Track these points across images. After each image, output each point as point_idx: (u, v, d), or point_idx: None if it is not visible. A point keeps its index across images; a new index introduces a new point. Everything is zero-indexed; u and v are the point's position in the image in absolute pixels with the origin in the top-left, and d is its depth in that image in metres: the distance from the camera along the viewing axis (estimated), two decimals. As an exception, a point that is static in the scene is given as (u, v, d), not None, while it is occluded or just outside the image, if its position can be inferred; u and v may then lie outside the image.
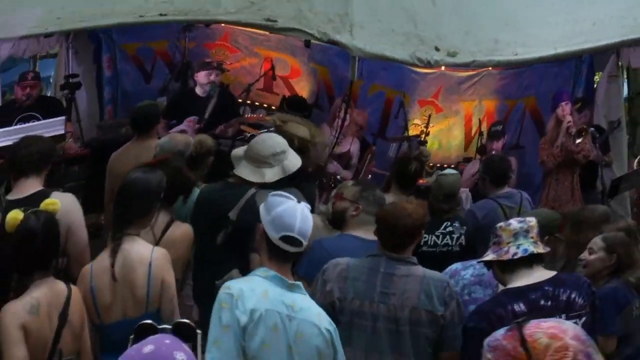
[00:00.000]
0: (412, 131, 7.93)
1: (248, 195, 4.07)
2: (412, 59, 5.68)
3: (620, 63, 7.85)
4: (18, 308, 2.93)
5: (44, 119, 6.33)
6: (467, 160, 7.97)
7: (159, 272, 3.31)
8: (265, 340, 2.71)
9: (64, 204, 3.67)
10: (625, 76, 8.82)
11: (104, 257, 3.31)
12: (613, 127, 7.52)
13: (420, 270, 3.63)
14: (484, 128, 8.07)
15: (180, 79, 7.81)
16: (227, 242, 3.91)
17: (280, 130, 4.68)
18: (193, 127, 6.41)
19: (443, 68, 6.70)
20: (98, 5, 5.89)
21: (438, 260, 4.49)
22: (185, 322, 2.00)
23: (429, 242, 4.80)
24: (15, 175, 4.04)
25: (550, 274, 3.55)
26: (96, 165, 5.87)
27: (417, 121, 8.25)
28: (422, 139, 7.77)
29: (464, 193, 6.48)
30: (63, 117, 6.36)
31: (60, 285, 3.12)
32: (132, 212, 3.38)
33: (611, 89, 7.86)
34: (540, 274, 3.50)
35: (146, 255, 3.29)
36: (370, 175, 6.87)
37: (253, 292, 2.74)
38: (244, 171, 4.17)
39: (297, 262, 3.37)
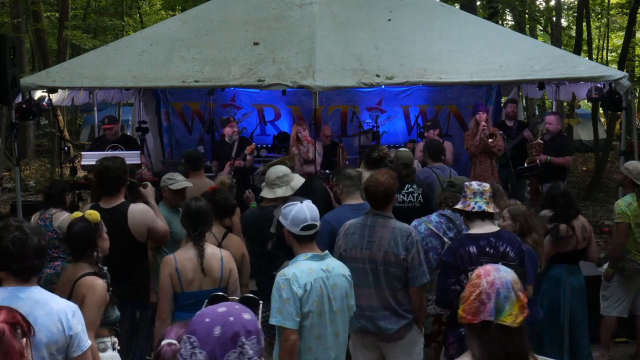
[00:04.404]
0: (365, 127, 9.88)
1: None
2: (358, 84, 7.22)
3: (520, 93, 10.05)
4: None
5: (126, 150, 7.91)
6: (412, 141, 9.72)
7: (227, 264, 4.17)
8: (315, 299, 3.44)
9: (142, 210, 4.73)
10: (524, 102, 10.98)
11: (188, 252, 4.07)
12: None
13: (392, 222, 4.25)
14: (420, 121, 10.13)
15: (210, 132, 9.38)
16: (275, 245, 4.39)
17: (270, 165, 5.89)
18: (229, 167, 8.18)
19: (383, 87, 7.88)
20: (157, 70, 7.50)
21: (405, 213, 5.24)
22: (250, 296, 2.30)
23: (399, 200, 5.41)
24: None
25: (496, 228, 4.17)
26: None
27: (368, 120, 10.22)
28: (376, 130, 9.82)
29: (415, 162, 7.83)
30: (139, 152, 7.90)
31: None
32: (206, 228, 4.22)
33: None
34: (489, 227, 4.11)
35: (217, 253, 4.19)
36: (347, 162, 8.31)
37: (303, 272, 3.46)
38: (264, 192, 5.10)
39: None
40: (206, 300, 2.17)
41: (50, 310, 2.77)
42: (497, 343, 2.15)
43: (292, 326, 3.40)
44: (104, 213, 4.47)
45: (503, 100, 10.57)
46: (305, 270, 3.49)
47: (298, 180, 5.16)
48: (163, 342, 2.04)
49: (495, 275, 2.22)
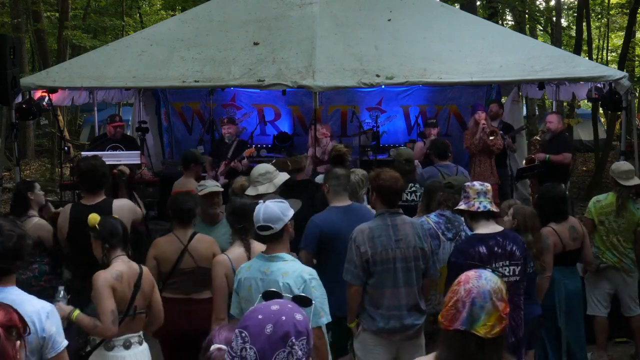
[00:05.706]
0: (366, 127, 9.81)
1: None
2: (358, 84, 7.25)
3: (520, 93, 10.05)
4: (107, 275, 3.71)
5: (126, 150, 7.87)
6: (412, 141, 9.68)
7: None
8: (244, 296, 3.54)
9: (128, 206, 4.93)
10: (524, 102, 10.88)
11: (238, 250, 4.13)
12: (522, 128, 9.49)
13: (406, 217, 4.34)
14: (420, 121, 10.12)
15: (210, 132, 9.41)
16: None
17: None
18: (224, 167, 8.15)
19: (383, 87, 7.89)
20: (157, 70, 7.53)
21: (407, 210, 5.06)
22: (303, 295, 2.30)
23: (403, 199, 5.55)
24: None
25: (500, 228, 4.16)
26: (164, 189, 7.15)
27: (368, 120, 10.20)
28: (376, 130, 9.76)
29: (415, 162, 7.82)
30: (139, 152, 7.72)
31: (134, 265, 3.85)
32: (251, 224, 3.98)
33: (514, 109, 9.99)
34: (494, 227, 4.12)
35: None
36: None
37: (243, 268, 3.63)
38: (248, 190, 5.04)
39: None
40: (260, 296, 2.17)
41: (24, 311, 2.72)
42: (466, 353, 2.10)
43: (234, 314, 3.59)
44: (88, 209, 4.45)
45: (504, 100, 10.55)
46: (245, 267, 3.61)
47: (281, 178, 5.11)
48: (212, 347, 2.02)
49: (474, 283, 2.16)
